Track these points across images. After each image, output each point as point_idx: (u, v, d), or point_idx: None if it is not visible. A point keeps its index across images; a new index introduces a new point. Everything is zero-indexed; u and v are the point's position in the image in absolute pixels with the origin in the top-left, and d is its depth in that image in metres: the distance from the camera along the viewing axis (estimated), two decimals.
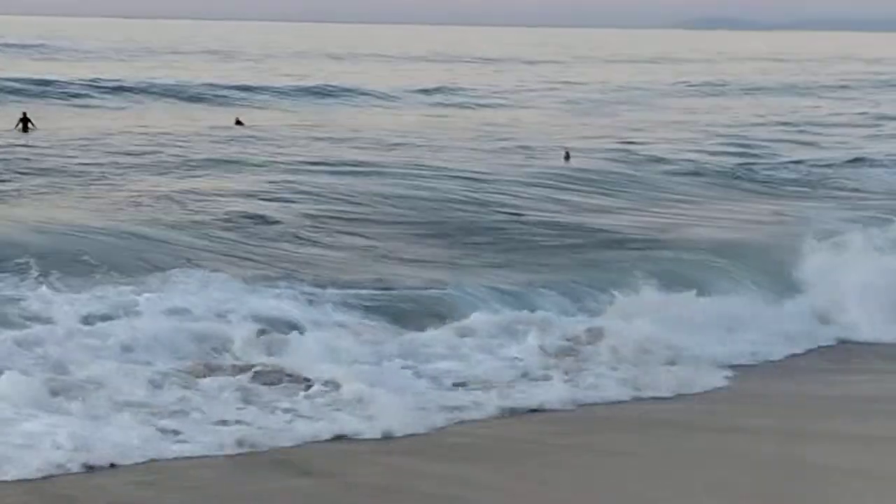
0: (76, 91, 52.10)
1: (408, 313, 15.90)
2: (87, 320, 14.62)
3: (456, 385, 13.28)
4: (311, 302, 16.03)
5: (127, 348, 13.67)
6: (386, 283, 17.58)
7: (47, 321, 14.47)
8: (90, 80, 55.56)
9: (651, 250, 20.57)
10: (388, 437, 11.56)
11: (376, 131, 42.01)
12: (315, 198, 25.44)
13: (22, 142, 35.28)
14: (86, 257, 18.28)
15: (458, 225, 23.21)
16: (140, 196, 24.84)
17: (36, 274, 16.81)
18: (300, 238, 21.19)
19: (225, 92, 55.86)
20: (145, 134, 38.43)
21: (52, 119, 42.41)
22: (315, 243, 20.77)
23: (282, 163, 31.92)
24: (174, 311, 15.17)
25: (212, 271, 17.72)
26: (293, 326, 14.82)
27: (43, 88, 51.81)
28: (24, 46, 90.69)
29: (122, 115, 46.43)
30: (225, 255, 19.44)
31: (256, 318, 14.99)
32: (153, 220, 22.01)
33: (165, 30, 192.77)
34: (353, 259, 19.60)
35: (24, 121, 39.33)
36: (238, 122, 43.83)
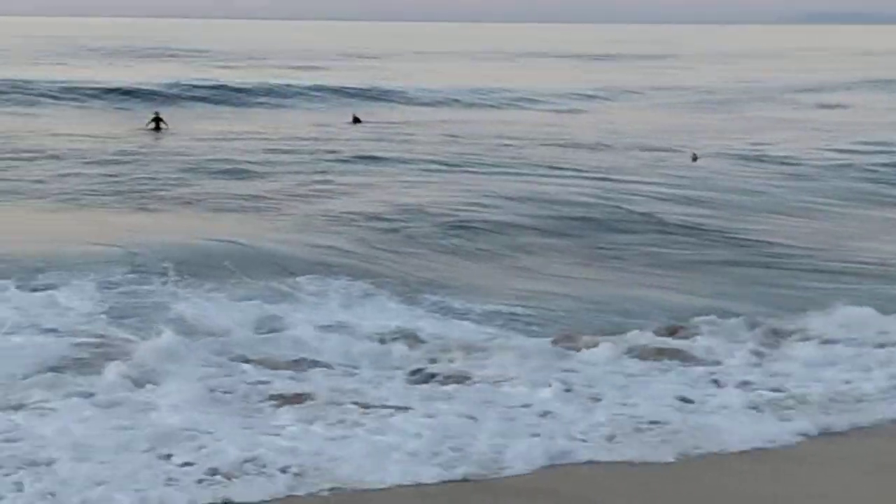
0: (203, 93, 51.84)
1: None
2: (257, 331, 13.98)
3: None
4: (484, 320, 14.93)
5: (320, 361, 12.78)
6: (538, 300, 16.20)
7: (215, 333, 13.73)
8: (215, 83, 55.54)
9: (842, 276, 18.38)
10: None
11: (500, 128, 41.12)
12: (448, 200, 24.52)
13: (154, 142, 35.32)
14: (226, 263, 17.69)
15: (596, 232, 21.88)
16: (276, 199, 24.21)
17: (177, 280, 16.31)
18: (436, 243, 20.27)
19: (356, 92, 55.06)
20: (277, 135, 38.08)
21: (184, 119, 42.45)
22: (454, 252, 19.77)
23: (415, 162, 31.15)
24: (340, 325, 14.32)
25: (350, 279, 16.95)
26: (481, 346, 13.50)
27: (174, 90, 51.95)
28: (150, 49, 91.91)
29: (252, 115, 46.18)
30: (364, 262, 18.54)
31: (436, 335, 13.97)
32: (288, 226, 21.35)
33: (278, 30, 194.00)
34: (496, 272, 18.48)
35: (157, 120, 39.43)
36: (356, 120, 43.42)
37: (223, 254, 18.35)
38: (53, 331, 13.59)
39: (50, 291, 15.26)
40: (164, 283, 16.14)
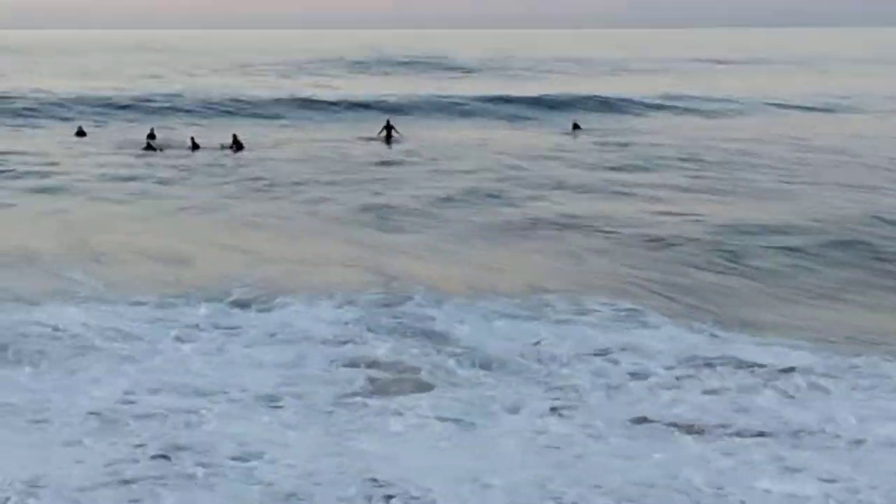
0: (432, 103, 50.91)
1: None
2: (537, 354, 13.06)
3: None
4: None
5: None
6: (824, 330, 14.33)
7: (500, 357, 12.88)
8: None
9: None
10: None
11: (733, 133, 38.63)
12: (701, 213, 22.74)
13: (386, 152, 34.91)
14: (474, 280, 16.71)
15: (865, 250, 19.41)
16: (519, 210, 23.02)
17: (429, 299, 15.37)
18: (698, 260, 18.50)
19: (576, 99, 53.09)
20: (506, 145, 37.06)
21: (414, 128, 42.03)
22: (721, 269, 17.93)
23: (655, 169, 29.39)
24: (627, 348, 13.09)
25: (609, 298, 15.55)
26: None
27: (413, 101, 51.48)
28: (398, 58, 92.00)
29: (474, 124, 45.38)
30: (621, 279, 17.06)
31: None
32: (534, 239, 20.16)
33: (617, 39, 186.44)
34: (770, 294, 16.50)
35: (388, 129, 39.30)
36: (576, 127, 42.07)
37: (470, 272, 17.43)
38: (341, 350, 13.13)
39: (319, 312, 14.71)
40: (419, 304, 15.23)
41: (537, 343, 13.40)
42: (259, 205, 24.17)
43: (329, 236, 20.54)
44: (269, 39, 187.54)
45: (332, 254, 18.94)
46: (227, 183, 27.42)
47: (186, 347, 13.20)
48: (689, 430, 10.58)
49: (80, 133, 39.55)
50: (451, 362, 12.59)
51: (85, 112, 45.91)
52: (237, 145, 35.05)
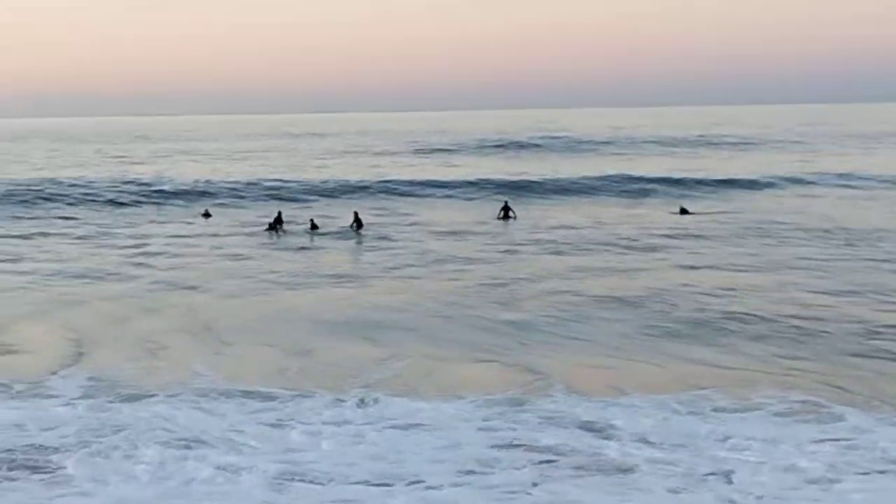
0: (546, 184, 49.61)
1: None
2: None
3: None
4: None
5: None
6: None
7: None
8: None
9: None
10: None
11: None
12: (856, 288, 20.63)
13: (507, 233, 33.27)
14: (609, 371, 14.89)
15: None
16: (647, 294, 20.98)
17: (568, 395, 13.73)
18: (862, 343, 16.38)
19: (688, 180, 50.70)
20: (624, 223, 35.38)
21: (531, 209, 40.66)
22: (889, 354, 15.78)
23: (783, 243, 27.16)
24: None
25: (779, 392, 13.66)
26: None
27: (523, 181, 50.46)
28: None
29: (572, 204, 43.81)
30: (779, 370, 15.08)
31: None
32: (676, 326, 18.21)
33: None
34: None
35: (506, 209, 38.06)
36: (684, 212, 39.21)
37: (610, 364, 15.67)
38: (493, 440, 11.86)
39: (456, 407, 13.26)
40: (562, 401, 13.54)
41: (709, 436, 11.68)
42: (381, 290, 22.58)
43: (456, 326, 18.64)
44: (398, 121, 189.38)
45: (462, 346, 17.11)
46: (347, 267, 26.15)
47: (317, 441, 11.98)
48: None
49: (206, 215, 39.32)
50: (614, 451, 11.28)
51: (212, 194, 45.87)
52: (358, 223, 34.08)
